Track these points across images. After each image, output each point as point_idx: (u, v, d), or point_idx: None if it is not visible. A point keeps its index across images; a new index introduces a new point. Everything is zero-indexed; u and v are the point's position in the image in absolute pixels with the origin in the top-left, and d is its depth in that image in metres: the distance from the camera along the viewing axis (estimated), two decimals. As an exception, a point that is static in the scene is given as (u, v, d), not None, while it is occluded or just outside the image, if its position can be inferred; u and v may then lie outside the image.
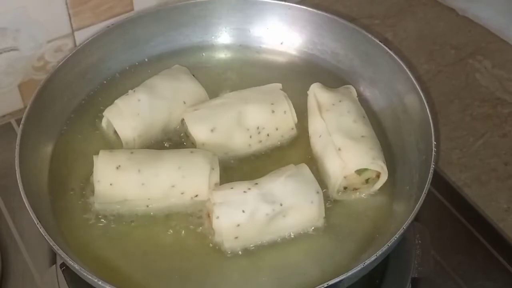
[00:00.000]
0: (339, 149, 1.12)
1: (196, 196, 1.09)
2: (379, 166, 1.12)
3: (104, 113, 1.18)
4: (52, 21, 1.31)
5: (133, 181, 1.09)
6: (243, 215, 1.04)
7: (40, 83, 1.17)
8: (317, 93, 1.21)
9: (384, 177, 1.13)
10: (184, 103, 1.20)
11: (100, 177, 1.09)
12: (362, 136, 1.14)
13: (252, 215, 1.04)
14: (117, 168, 1.09)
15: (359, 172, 1.12)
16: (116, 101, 1.18)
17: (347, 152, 1.12)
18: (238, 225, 1.04)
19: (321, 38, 1.32)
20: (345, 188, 1.13)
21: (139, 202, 1.10)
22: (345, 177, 1.12)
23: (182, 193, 1.09)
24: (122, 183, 1.09)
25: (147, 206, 1.10)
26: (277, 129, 1.19)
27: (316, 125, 1.18)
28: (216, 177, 1.10)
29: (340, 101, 1.19)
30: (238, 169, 1.16)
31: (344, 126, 1.15)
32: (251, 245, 1.06)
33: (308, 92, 1.22)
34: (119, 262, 1.06)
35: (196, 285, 1.04)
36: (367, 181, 1.13)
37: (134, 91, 1.19)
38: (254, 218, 1.04)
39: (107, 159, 1.10)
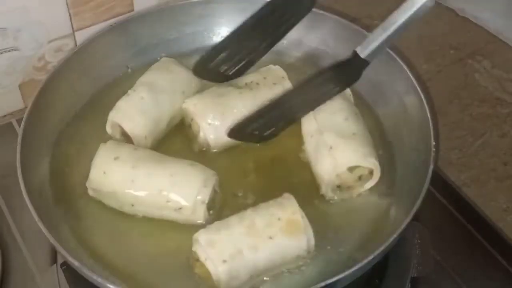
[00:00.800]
0: (331, 148, 1.12)
1: (180, 208, 1.08)
2: (371, 163, 1.12)
3: (109, 118, 1.18)
4: (53, 21, 1.32)
5: (125, 174, 1.09)
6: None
7: (41, 82, 1.17)
8: None
9: (377, 174, 1.13)
10: (183, 92, 1.22)
11: (98, 163, 1.11)
12: (354, 134, 1.14)
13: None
14: (115, 159, 1.10)
15: (351, 169, 1.12)
16: (118, 103, 1.18)
17: (338, 150, 1.12)
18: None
19: (322, 38, 1.32)
20: (338, 186, 1.13)
21: (126, 199, 1.09)
22: (337, 175, 1.12)
23: (167, 202, 1.08)
24: (115, 173, 1.10)
25: (132, 205, 1.09)
26: (265, 78, 1.22)
27: (308, 125, 1.18)
28: (204, 196, 1.08)
29: (332, 100, 1.19)
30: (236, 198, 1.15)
31: (335, 124, 1.15)
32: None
33: None
34: (120, 260, 1.06)
35: (198, 284, 1.04)
36: (360, 178, 1.13)
37: (134, 90, 1.20)
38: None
39: (110, 149, 1.12)
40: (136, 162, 1.10)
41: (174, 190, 1.07)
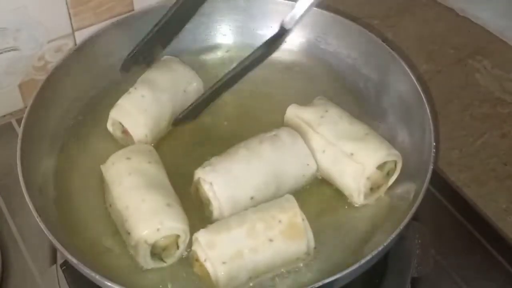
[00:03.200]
0: (352, 154, 1.11)
1: (128, 234, 1.05)
2: (395, 155, 1.12)
3: (110, 115, 1.18)
4: (53, 21, 1.32)
5: (119, 175, 1.09)
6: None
7: (42, 81, 1.17)
8: (297, 113, 1.19)
9: (400, 163, 1.13)
10: (184, 91, 1.22)
11: (114, 155, 1.12)
12: (367, 134, 1.14)
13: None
14: (127, 158, 1.11)
15: (380, 167, 1.11)
16: (119, 101, 1.18)
17: (361, 153, 1.11)
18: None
19: (324, 37, 1.32)
20: (370, 189, 1.12)
21: (109, 196, 1.10)
22: (368, 177, 1.11)
23: (124, 222, 1.06)
24: (115, 168, 1.10)
25: (109, 206, 1.10)
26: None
27: (314, 142, 1.15)
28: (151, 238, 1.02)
29: (326, 111, 1.18)
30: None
31: (344, 131, 1.14)
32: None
33: (286, 116, 1.20)
34: (121, 258, 1.06)
35: (198, 284, 1.04)
36: (388, 173, 1.13)
37: (135, 88, 1.20)
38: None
39: (136, 149, 1.13)
40: (138, 175, 1.08)
41: (129, 220, 1.05)
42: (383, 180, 1.13)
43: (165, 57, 1.28)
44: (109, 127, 1.20)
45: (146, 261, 1.04)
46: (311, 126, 1.16)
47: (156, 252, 1.04)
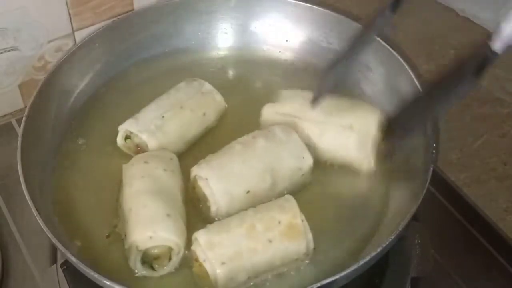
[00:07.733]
0: (350, 125, 1.13)
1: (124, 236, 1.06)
2: (384, 111, 1.14)
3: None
4: (53, 21, 1.32)
5: (132, 177, 1.09)
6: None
7: (41, 80, 1.18)
8: (276, 109, 1.19)
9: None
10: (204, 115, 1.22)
11: (136, 157, 1.13)
12: (352, 104, 1.16)
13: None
14: (145, 162, 1.10)
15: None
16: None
17: (357, 121, 1.13)
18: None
19: (326, 36, 1.32)
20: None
21: (121, 196, 1.10)
22: (372, 142, 1.13)
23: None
24: (132, 170, 1.10)
25: (119, 206, 1.09)
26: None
27: (307, 129, 1.16)
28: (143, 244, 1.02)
29: (303, 98, 1.17)
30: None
31: (329, 108, 1.15)
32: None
33: (264, 117, 1.20)
34: (121, 258, 1.06)
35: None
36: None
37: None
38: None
39: (156, 155, 1.12)
40: (152, 182, 1.08)
41: (128, 222, 1.05)
42: (383, 143, 1.14)
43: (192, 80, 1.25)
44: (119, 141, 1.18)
45: (136, 267, 1.03)
46: (297, 116, 1.17)
47: (147, 260, 1.03)
